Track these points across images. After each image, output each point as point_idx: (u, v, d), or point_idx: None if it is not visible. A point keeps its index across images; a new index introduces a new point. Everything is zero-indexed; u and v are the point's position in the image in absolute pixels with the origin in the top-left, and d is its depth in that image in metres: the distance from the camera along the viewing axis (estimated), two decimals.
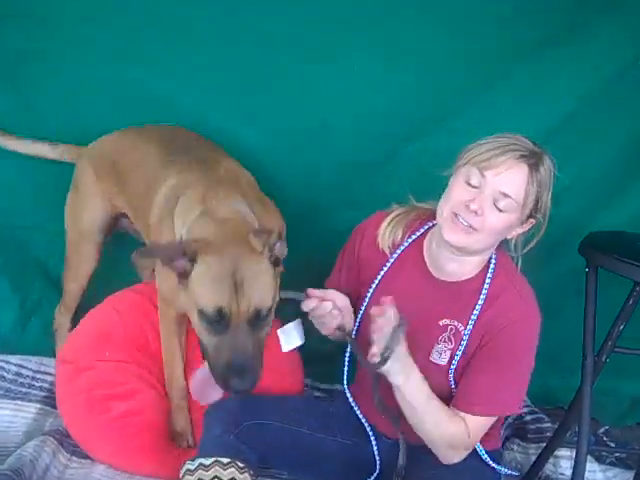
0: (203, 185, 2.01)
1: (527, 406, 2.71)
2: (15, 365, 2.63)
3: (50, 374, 2.61)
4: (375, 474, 2.15)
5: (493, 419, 1.94)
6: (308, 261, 2.60)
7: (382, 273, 2.04)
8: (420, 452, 2.00)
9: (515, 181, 1.79)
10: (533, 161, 1.79)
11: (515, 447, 2.58)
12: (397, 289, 1.99)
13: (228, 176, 2.12)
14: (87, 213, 2.46)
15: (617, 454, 2.72)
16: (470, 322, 1.91)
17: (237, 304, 1.68)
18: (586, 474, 2.40)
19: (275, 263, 1.80)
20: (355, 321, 2.08)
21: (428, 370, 1.93)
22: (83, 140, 2.53)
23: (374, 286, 2.05)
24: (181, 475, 1.95)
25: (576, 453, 2.12)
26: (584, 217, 2.60)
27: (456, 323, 1.93)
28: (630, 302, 2.09)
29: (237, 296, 1.68)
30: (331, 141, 2.60)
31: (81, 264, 2.52)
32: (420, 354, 1.93)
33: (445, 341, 1.94)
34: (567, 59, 2.48)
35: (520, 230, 1.89)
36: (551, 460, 2.44)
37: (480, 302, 1.90)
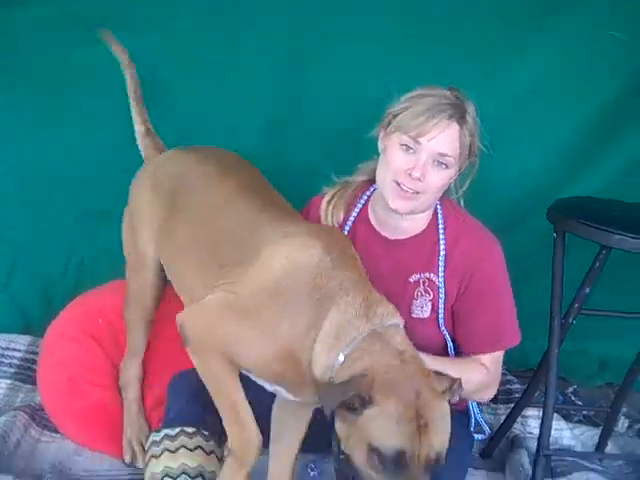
0: (361, 287, 1.69)
1: None
2: None
3: (19, 350, 2.62)
4: None
5: (503, 352, 2.02)
6: None
7: None
8: None
9: (450, 140, 1.82)
10: (460, 114, 1.83)
11: (484, 408, 2.62)
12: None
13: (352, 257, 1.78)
14: (140, 236, 2.11)
15: (585, 412, 2.78)
16: (440, 270, 1.95)
17: (419, 448, 1.50)
18: (554, 432, 2.47)
19: None
20: None
21: (412, 327, 1.94)
22: None
23: None
24: (146, 447, 1.98)
25: (543, 412, 2.16)
26: (554, 186, 2.63)
27: (427, 274, 1.96)
28: (596, 265, 2.11)
29: (420, 440, 1.50)
30: (317, 109, 2.61)
31: (139, 292, 2.18)
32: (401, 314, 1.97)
33: (422, 294, 1.97)
34: (538, 32, 2.50)
35: (457, 174, 1.92)
36: (520, 420, 2.50)
37: (442, 248, 1.95)
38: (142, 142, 2.33)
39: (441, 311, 1.97)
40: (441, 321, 1.98)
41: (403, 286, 1.97)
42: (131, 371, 2.28)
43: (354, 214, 2.03)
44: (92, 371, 2.33)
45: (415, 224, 1.96)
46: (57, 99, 2.57)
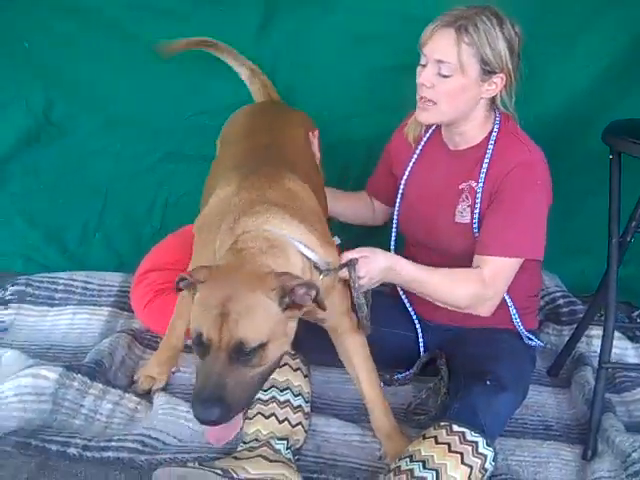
0: (241, 208, 1.87)
1: (561, 291, 2.85)
2: (81, 282, 2.87)
3: (114, 286, 2.84)
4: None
5: (511, 265, 2.08)
6: (344, 165, 2.75)
7: (411, 164, 2.27)
8: (466, 334, 2.24)
9: (443, 45, 1.97)
10: (461, 23, 1.95)
11: (550, 330, 2.73)
12: (424, 170, 2.25)
13: (286, 197, 1.94)
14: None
15: None
16: (481, 176, 2.10)
17: (219, 333, 1.59)
18: (618, 351, 2.58)
19: (290, 307, 1.68)
20: (394, 211, 2.33)
21: (454, 232, 2.16)
22: None
23: (405, 178, 2.29)
24: None
25: (604, 326, 2.22)
26: (607, 108, 2.65)
27: (470, 182, 2.12)
28: None
29: (221, 326, 1.59)
30: (362, 47, 2.69)
31: None
32: (445, 219, 2.17)
33: (464, 200, 2.14)
34: None
35: (490, 88, 2.04)
36: (584, 339, 2.58)
37: (487, 158, 2.09)
38: (251, 85, 2.57)
39: (476, 218, 2.11)
40: (475, 228, 2.12)
41: (453, 192, 2.15)
42: None
43: (431, 129, 2.24)
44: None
45: (467, 137, 2.14)
46: (141, 46, 2.69)
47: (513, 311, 2.24)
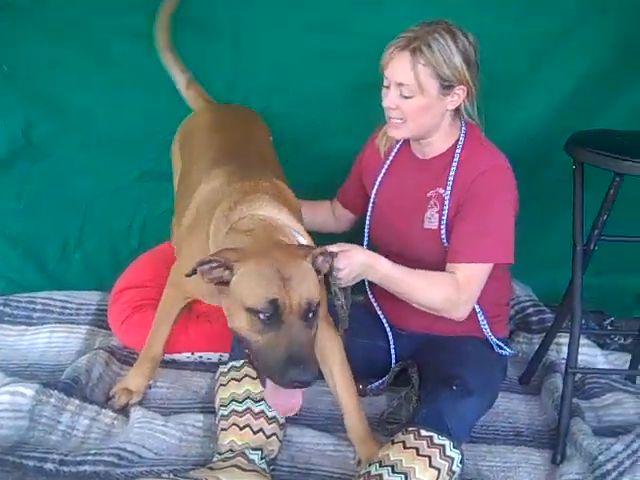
0: (235, 197, 1.99)
1: (531, 300, 2.90)
2: (60, 301, 2.89)
3: (92, 305, 2.87)
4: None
5: (483, 270, 2.13)
6: (321, 182, 2.80)
7: (381, 175, 2.34)
8: (436, 341, 2.28)
9: (400, 69, 2.05)
10: (415, 45, 2.02)
11: (520, 339, 2.78)
12: (394, 181, 2.31)
13: (275, 189, 2.10)
14: (174, 183, 2.51)
15: (621, 341, 2.89)
16: (449, 183, 2.16)
17: (289, 297, 1.66)
18: (588, 358, 2.64)
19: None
20: (366, 218, 2.39)
21: (423, 238, 2.22)
22: None
23: (376, 188, 2.35)
24: (216, 377, 2.25)
25: (570, 332, 2.27)
26: (576, 123, 2.64)
27: (437, 189, 2.19)
28: (611, 192, 2.24)
29: (287, 290, 1.66)
30: (331, 66, 2.75)
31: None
32: (415, 226, 2.23)
33: (432, 207, 2.20)
34: None
35: (453, 99, 2.12)
36: (554, 347, 2.63)
37: (454, 164, 2.16)
38: (186, 93, 2.62)
39: (444, 223, 2.17)
40: (443, 234, 2.18)
41: (421, 200, 2.22)
42: None
43: (401, 140, 2.30)
44: (150, 299, 2.57)
45: (434, 147, 2.21)
46: (118, 65, 2.77)
47: (482, 319, 2.28)
